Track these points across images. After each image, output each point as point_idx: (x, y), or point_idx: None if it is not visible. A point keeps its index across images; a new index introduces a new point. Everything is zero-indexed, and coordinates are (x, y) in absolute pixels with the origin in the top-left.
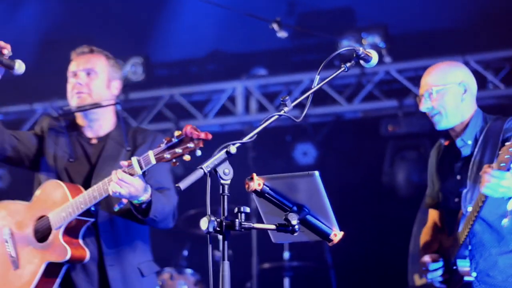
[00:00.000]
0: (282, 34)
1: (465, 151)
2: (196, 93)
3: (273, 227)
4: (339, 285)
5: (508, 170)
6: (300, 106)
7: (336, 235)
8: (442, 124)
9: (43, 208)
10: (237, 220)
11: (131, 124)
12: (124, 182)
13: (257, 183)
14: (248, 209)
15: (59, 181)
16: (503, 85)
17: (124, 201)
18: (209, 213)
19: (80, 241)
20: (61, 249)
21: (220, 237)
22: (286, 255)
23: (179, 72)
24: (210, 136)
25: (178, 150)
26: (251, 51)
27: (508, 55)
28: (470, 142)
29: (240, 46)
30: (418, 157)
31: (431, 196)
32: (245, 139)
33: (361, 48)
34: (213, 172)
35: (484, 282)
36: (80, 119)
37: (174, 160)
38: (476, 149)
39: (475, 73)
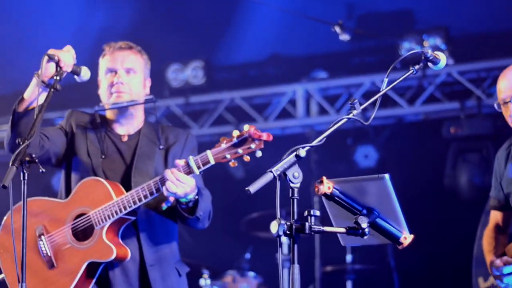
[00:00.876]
0: (345, 37)
1: None
2: (257, 96)
3: (343, 230)
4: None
5: None
6: (363, 109)
7: (406, 238)
8: None
9: (82, 206)
10: (307, 223)
11: (191, 127)
12: (181, 182)
13: (327, 186)
14: (318, 213)
15: (100, 179)
16: None
17: (172, 199)
18: (279, 216)
19: (120, 240)
20: (105, 249)
21: (284, 240)
22: (349, 258)
23: (239, 76)
24: (271, 137)
25: (239, 151)
26: (310, 54)
27: None
28: None
29: (300, 49)
30: (480, 159)
31: (497, 198)
32: (314, 142)
33: (429, 51)
34: (283, 175)
35: None
36: (111, 115)
37: (233, 161)
38: None
39: None
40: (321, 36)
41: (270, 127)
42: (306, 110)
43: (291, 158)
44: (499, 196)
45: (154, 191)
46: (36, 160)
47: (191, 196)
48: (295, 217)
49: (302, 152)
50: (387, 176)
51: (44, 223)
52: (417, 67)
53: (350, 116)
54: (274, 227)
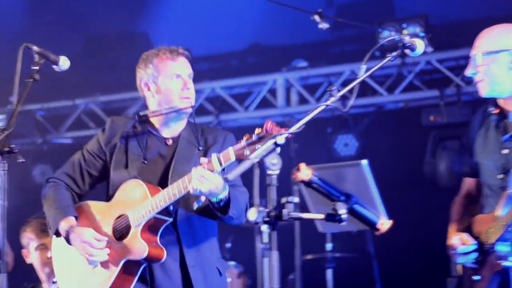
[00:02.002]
0: (324, 25)
1: None
2: (237, 86)
3: (322, 216)
4: (382, 275)
5: None
6: (342, 97)
7: (384, 224)
8: (485, 92)
9: (123, 207)
10: (285, 210)
11: None
12: (205, 179)
13: (305, 173)
14: (296, 199)
15: (139, 180)
16: None
17: (203, 199)
18: (258, 203)
19: (158, 240)
20: (139, 247)
21: (264, 228)
22: (329, 246)
23: (219, 65)
24: (289, 132)
25: (258, 146)
26: (291, 43)
27: None
28: None
29: (280, 39)
30: (459, 146)
31: (470, 164)
32: (292, 130)
33: (407, 37)
34: (261, 162)
35: None
36: (156, 119)
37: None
38: None
39: None
40: (301, 25)
41: (250, 116)
42: (287, 99)
43: (269, 145)
44: (471, 162)
45: (183, 189)
46: (16, 151)
47: (221, 195)
48: (274, 204)
49: (280, 140)
50: (364, 162)
51: (91, 225)
52: (394, 54)
53: (328, 103)
54: (252, 214)
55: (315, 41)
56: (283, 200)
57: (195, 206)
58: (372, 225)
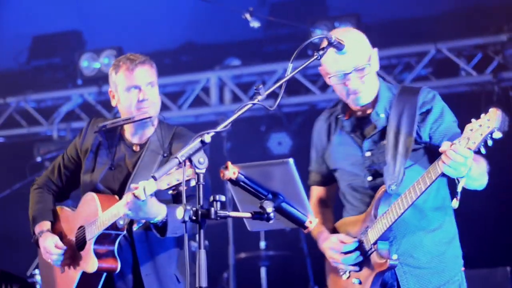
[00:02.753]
0: (255, 24)
1: (380, 125)
2: (170, 85)
3: (249, 215)
4: (315, 273)
5: (478, 150)
6: (274, 95)
7: (312, 222)
8: (366, 100)
9: (82, 218)
10: (212, 208)
11: (106, 116)
12: (133, 205)
13: (232, 171)
14: (223, 198)
15: (93, 194)
16: (475, 72)
17: (142, 220)
18: (185, 202)
19: (115, 253)
20: (90, 261)
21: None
22: (262, 244)
23: None
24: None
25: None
26: (224, 42)
27: (480, 43)
28: (382, 116)
29: (213, 37)
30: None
31: (320, 173)
32: (219, 128)
33: (333, 36)
34: (188, 161)
35: (407, 264)
36: (127, 127)
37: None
38: (390, 124)
39: (448, 61)
40: (235, 24)
41: (184, 115)
42: (220, 98)
43: (196, 144)
44: (322, 170)
45: (120, 212)
46: None
47: (157, 218)
48: (201, 202)
49: (207, 138)
50: (291, 160)
51: (62, 230)
52: (321, 52)
53: (255, 102)
54: (179, 212)
55: (248, 40)
56: (211, 198)
57: (135, 227)
58: (300, 223)
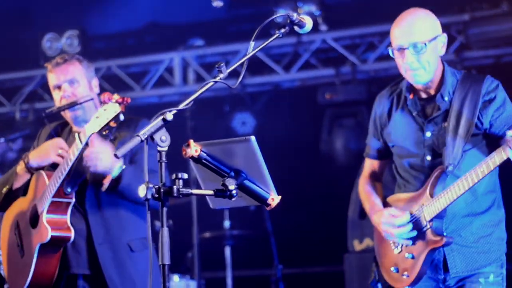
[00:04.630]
0: (217, 3)
1: (443, 107)
2: (134, 65)
3: (211, 192)
4: (280, 252)
5: None
6: (237, 75)
7: (274, 199)
8: (422, 79)
9: (33, 197)
10: (175, 186)
11: None
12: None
13: (194, 149)
14: (186, 175)
15: (41, 171)
16: None
17: (105, 181)
18: (147, 180)
19: (67, 222)
20: (44, 231)
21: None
22: (227, 224)
23: (116, 44)
24: (128, 99)
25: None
26: (187, 22)
27: (442, 22)
28: (447, 99)
29: (177, 17)
30: (355, 124)
31: (377, 146)
32: (181, 106)
33: (295, 14)
34: (150, 139)
35: (455, 243)
36: (69, 120)
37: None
38: (453, 108)
39: None
40: (198, 4)
41: (147, 95)
42: (183, 78)
43: (158, 121)
44: (379, 145)
45: (63, 171)
46: None
47: (115, 171)
48: (163, 180)
49: (169, 116)
50: (253, 138)
51: (17, 218)
52: (283, 30)
53: (217, 79)
54: (142, 190)
55: (212, 20)
56: (173, 176)
57: (105, 186)
58: (263, 200)
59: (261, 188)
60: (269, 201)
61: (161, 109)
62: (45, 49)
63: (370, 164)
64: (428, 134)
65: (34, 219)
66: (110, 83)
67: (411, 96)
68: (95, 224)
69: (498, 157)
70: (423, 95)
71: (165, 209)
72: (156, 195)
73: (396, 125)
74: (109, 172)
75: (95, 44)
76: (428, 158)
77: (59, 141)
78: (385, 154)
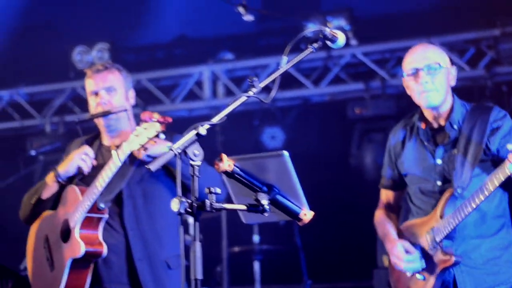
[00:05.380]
0: (248, 17)
1: (452, 135)
2: (163, 78)
3: (244, 207)
4: (309, 267)
5: None
6: (267, 89)
7: (306, 214)
8: (436, 101)
9: (64, 211)
10: (207, 201)
11: None
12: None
13: (227, 163)
14: (219, 190)
15: (71, 185)
16: (468, 67)
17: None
18: (180, 194)
19: (99, 237)
20: (77, 245)
21: (189, 220)
22: (256, 238)
23: (146, 57)
24: (169, 119)
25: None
26: (217, 35)
27: (472, 37)
28: (456, 127)
29: (207, 31)
30: (384, 139)
31: (391, 177)
32: (214, 120)
33: (327, 29)
34: (183, 153)
35: (464, 264)
36: (102, 131)
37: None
38: (462, 136)
39: None
40: (228, 17)
41: (177, 108)
42: (213, 92)
43: (191, 136)
44: (393, 175)
45: (99, 187)
46: None
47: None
48: (196, 194)
49: (202, 130)
50: (286, 153)
51: (46, 232)
52: (315, 45)
53: (250, 94)
54: (175, 204)
55: (241, 34)
56: (206, 190)
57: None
58: (295, 215)
59: (293, 203)
60: (302, 216)
61: (190, 122)
62: (75, 62)
63: (385, 195)
64: (438, 161)
65: (65, 233)
66: (139, 96)
67: (423, 126)
68: (134, 239)
69: (502, 173)
70: (434, 125)
71: (197, 224)
72: (189, 209)
73: (409, 154)
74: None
75: (125, 57)
76: (439, 183)
77: (85, 148)
78: (399, 184)
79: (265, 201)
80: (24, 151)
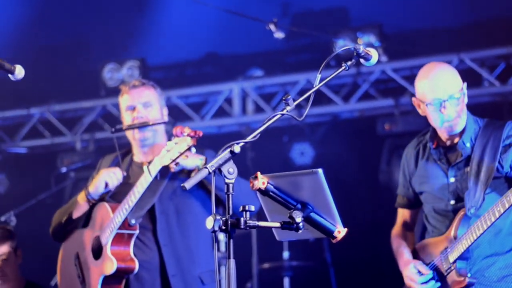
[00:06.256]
0: (279, 35)
1: (465, 153)
2: (193, 95)
3: (278, 225)
4: (339, 284)
5: None
6: (297, 106)
7: (340, 232)
8: (460, 128)
9: (95, 228)
10: (242, 218)
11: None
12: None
13: (261, 181)
14: (253, 208)
15: (103, 202)
16: (498, 82)
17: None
18: (214, 212)
19: (131, 253)
20: (108, 262)
21: (221, 237)
22: (286, 254)
23: (175, 75)
24: (200, 133)
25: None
26: (246, 52)
27: (503, 53)
28: (468, 145)
29: (236, 48)
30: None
31: (406, 196)
32: (248, 138)
33: (361, 47)
34: (218, 171)
35: (479, 283)
36: (134, 146)
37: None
38: (475, 153)
39: (471, 71)
40: (257, 34)
41: (206, 125)
42: (243, 109)
43: (225, 154)
44: (408, 194)
45: (131, 203)
46: None
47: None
48: (231, 212)
49: (237, 148)
50: (320, 170)
51: (77, 250)
52: (349, 63)
53: (284, 112)
54: (209, 222)
55: (270, 50)
56: (240, 208)
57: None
58: (329, 233)
59: (327, 221)
60: (335, 233)
61: (220, 139)
62: (106, 79)
63: (401, 214)
64: (452, 179)
65: (96, 250)
66: (169, 113)
67: (434, 146)
68: (168, 255)
69: None
70: (447, 143)
71: (232, 241)
72: (223, 227)
73: (422, 172)
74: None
75: (154, 75)
76: (452, 202)
77: (113, 168)
78: (415, 203)
79: (299, 219)
80: (55, 168)
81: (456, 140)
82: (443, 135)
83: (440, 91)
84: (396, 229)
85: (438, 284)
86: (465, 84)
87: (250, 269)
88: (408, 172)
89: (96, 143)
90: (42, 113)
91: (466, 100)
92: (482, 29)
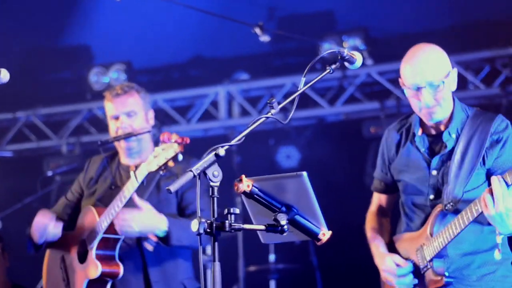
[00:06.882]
0: (265, 38)
1: (449, 145)
2: (179, 98)
3: (263, 227)
4: (325, 286)
5: None
6: (283, 109)
7: (325, 234)
8: (439, 116)
9: (81, 232)
10: (227, 221)
11: None
12: (127, 221)
13: (246, 184)
14: (237, 211)
15: (89, 206)
16: (483, 85)
17: (152, 238)
18: (199, 215)
19: (116, 257)
20: (93, 266)
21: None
22: (272, 257)
23: (161, 78)
24: (187, 140)
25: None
26: (232, 55)
27: (487, 56)
28: (454, 136)
29: (222, 51)
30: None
31: (383, 180)
32: (233, 142)
33: (345, 50)
34: (202, 174)
35: (458, 282)
36: (121, 152)
37: (162, 168)
38: (459, 145)
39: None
40: (243, 38)
41: (192, 129)
42: (229, 112)
43: (210, 157)
44: (386, 179)
45: (117, 208)
46: None
47: (157, 232)
48: (215, 215)
49: (221, 151)
50: (305, 173)
51: (62, 253)
52: (333, 66)
53: (269, 115)
54: (194, 225)
55: (256, 54)
56: (225, 211)
57: (150, 248)
58: (314, 235)
59: (312, 223)
60: (320, 236)
61: (206, 142)
62: (92, 83)
63: (377, 198)
64: (434, 172)
65: (82, 254)
66: (155, 116)
67: (419, 133)
68: (151, 262)
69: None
70: (433, 132)
71: (217, 244)
72: (208, 230)
73: (403, 160)
74: (153, 232)
75: (140, 78)
76: (431, 197)
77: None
78: (392, 188)
79: (284, 221)
80: (41, 172)
81: (442, 128)
82: (426, 121)
83: (418, 77)
84: (371, 215)
85: (416, 280)
86: (454, 70)
87: (236, 272)
88: (388, 157)
89: (82, 146)
90: (28, 116)
91: (453, 88)
92: (467, 32)
